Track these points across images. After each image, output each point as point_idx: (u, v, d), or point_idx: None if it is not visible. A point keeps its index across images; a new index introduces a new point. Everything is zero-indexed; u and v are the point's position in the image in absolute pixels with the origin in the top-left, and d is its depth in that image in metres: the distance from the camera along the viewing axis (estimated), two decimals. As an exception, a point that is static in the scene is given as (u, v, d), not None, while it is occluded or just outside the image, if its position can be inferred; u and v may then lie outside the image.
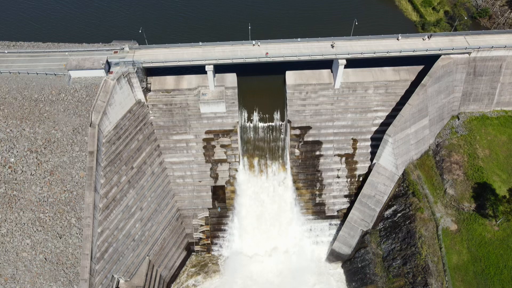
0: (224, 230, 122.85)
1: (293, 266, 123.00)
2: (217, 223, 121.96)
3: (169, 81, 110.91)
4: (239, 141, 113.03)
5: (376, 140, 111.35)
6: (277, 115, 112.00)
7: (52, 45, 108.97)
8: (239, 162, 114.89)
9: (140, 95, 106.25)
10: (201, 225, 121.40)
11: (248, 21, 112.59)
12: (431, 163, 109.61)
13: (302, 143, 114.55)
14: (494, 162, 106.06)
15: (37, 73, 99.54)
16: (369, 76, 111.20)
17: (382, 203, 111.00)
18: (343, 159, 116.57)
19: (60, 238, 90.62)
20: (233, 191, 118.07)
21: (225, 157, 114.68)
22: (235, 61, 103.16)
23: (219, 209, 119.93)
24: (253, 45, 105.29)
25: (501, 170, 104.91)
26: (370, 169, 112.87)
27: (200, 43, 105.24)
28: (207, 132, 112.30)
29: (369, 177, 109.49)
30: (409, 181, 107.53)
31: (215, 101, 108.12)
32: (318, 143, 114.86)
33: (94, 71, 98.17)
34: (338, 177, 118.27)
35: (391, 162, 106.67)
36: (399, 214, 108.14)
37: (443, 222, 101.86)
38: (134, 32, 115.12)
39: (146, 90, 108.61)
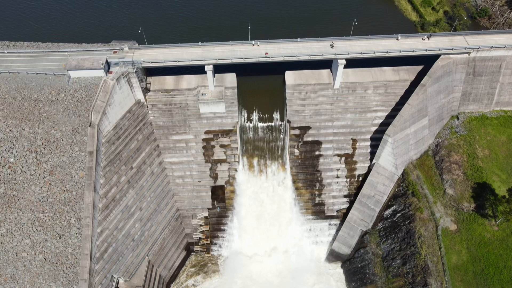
0: (224, 230, 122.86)
1: (293, 266, 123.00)
2: (216, 223, 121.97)
3: (169, 81, 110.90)
4: (238, 141, 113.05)
5: (376, 140, 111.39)
6: (276, 115, 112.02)
7: (52, 45, 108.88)
8: (238, 162, 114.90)
9: (139, 95, 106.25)
10: (201, 225, 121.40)
11: (248, 21, 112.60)
12: (431, 163, 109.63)
13: (301, 143, 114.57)
14: (494, 162, 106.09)
15: (37, 73, 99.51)
16: (368, 76, 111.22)
17: (382, 203, 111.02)
18: (343, 159, 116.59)
19: (59, 238, 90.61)
20: (233, 191, 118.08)
21: (224, 157, 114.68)
22: (234, 61, 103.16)
23: (218, 209, 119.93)
24: (253, 45, 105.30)
25: (501, 170, 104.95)
26: (369, 169, 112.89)
27: (200, 43, 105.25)
28: (206, 132, 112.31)
29: (368, 177, 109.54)
30: (408, 181, 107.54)
31: (215, 101, 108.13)
32: (318, 143, 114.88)
33: (94, 71, 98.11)
34: (337, 177, 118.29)
35: (391, 162, 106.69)
36: (398, 214, 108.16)
37: (442, 222, 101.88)
38: (134, 32, 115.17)
39: (146, 90, 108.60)
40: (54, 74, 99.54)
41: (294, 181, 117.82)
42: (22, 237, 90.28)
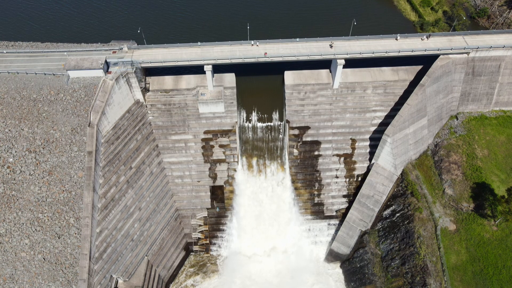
0: (223, 230, 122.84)
1: (292, 266, 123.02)
2: (215, 223, 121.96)
3: (168, 81, 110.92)
4: (237, 141, 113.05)
5: (375, 140, 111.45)
6: (275, 115, 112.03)
7: (51, 45, 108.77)
8: (237, 162, 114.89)
9: (138, 95, 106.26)
10: (200, 225, 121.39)
11: (247, 21, 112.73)
12: (430, 163, 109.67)
13: (300, 143, 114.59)
14: (493, 162, 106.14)
15: (36, 73, 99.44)
16: (367, 76, 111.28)
17: (381, 203, 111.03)
18: (342, 159, 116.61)
19: (58, 238, 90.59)
20: (232, 191, 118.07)
21: (223, 157, 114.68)
22: (233, 61, 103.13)
23: (217, 209, 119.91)
24: (252, 45, 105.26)
25: (500, 170, 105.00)
26: (368, 169, 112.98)
27: (199, 43, 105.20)
28: (205, 132, 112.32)
29: (367, 177, 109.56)
30: (407, 181, 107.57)
31: (214, 101, 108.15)
32: (317, 143, 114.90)
33: (93, 71, 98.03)
34: (336, 177, 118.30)
35: (390, 162, 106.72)
36: (397, 214, 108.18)
37: (441, 222, 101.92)
38: (133, 32, 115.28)
39: (145, 90, 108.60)
40: (53, 74, 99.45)
41: (293, 181, 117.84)
42: (21, 237, 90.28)
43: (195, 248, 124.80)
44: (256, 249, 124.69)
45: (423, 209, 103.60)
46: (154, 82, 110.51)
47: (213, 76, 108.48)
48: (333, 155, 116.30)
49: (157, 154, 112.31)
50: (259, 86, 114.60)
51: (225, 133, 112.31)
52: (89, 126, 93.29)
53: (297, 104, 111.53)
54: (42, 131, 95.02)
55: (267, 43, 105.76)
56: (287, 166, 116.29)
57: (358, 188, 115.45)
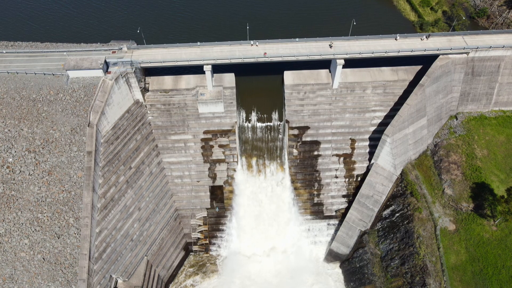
0: (222, 230, 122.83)
1: (291, 266, 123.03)
2: (215, 223, 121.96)
3: (167, 81, 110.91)
4: (237, 141, 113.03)
5: (374, 140, 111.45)
6: (275, 115, 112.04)
7: (50, 45, 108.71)
8: (237, 162, 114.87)
9: (138, 95, 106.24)
10: (199, 225, 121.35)
11: (247, 21, 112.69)
12: (429, 163, 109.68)
13: (300, 143, 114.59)
14: (492, 162, 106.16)
15: (35, 73, 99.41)
16: (367, 76, 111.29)
17: (380, 203, 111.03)
18: (341, 159, 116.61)
19: (58, 238, 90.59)
20: (231, 191, 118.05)
21: (223, 157, 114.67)
22: (233, 61, 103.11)
23: (217, 209, 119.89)
24: (251, 45, 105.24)
25: (499, 170, 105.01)
26: (368, 169, 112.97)
27: (198, 43, 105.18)
28: (205, 132, 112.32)
29: (367, 177, 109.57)
30: (407, 181, 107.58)
31: (213, 101, 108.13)
32: (316, 143, 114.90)
33: (92, 71, 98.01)
34: (336, 177, 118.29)
35: (389, 162, 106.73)
36: (397, 214, 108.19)
37: (441, 222, 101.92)
38: (132, 32, 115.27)
39: (144, 90, 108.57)
40: (53, 74, 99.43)
41: (292, 181, 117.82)
42: (21, 237, 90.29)
43: (195, 248, 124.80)
44: (255, 249, 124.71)
45: (422, 209, 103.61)
46: (153, 82, 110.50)
47: (212, 76, 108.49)
48: (332, 155, 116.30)
49: (157, 154, 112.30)
50: (259, 86, 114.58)
51: (225, 133, 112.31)
52: (88, 126, 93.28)
53: (296, 104, 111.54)
54: (42, 131, 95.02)
55: (267, 43, 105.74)
56: (286, 166, 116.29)
57: (357, 188, 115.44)
